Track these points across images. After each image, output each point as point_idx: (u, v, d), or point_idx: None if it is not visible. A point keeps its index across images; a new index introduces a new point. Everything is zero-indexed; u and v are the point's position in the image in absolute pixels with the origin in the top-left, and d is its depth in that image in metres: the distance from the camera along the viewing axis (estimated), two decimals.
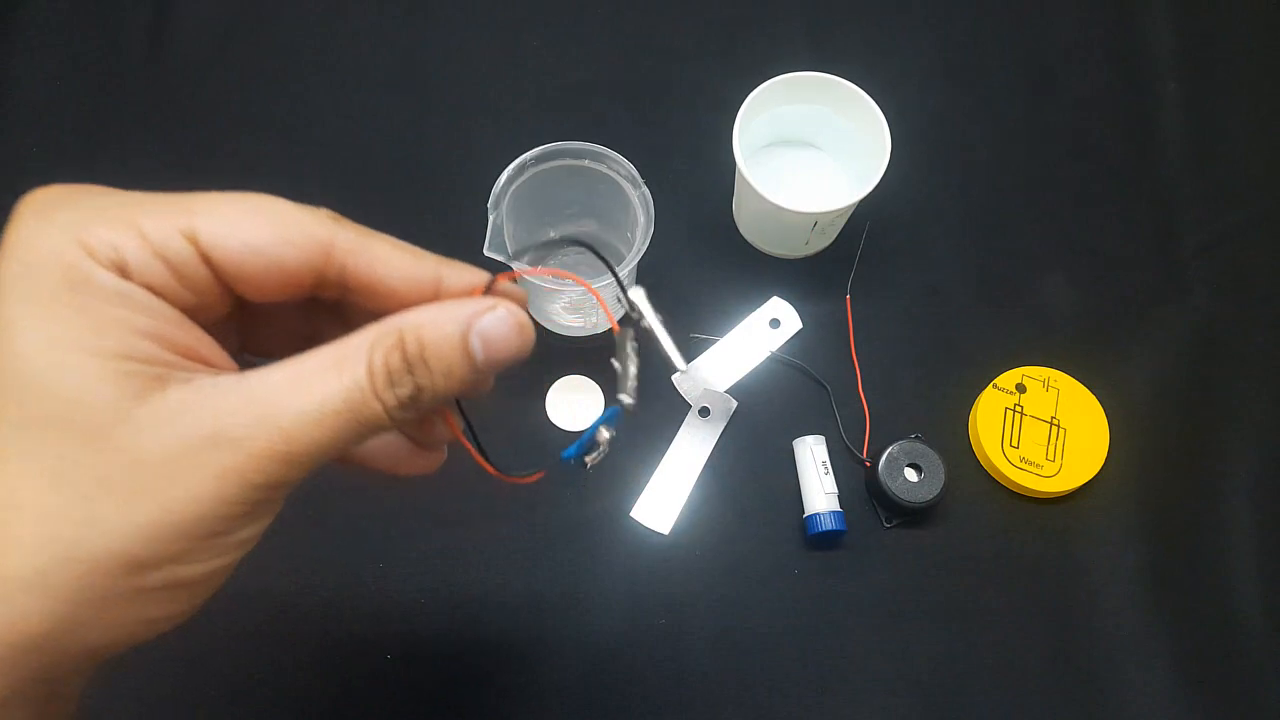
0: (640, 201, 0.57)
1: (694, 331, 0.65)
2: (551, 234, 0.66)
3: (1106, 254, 0.69)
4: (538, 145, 0.57)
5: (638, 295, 0.32)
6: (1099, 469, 0.62)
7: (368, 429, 0.26)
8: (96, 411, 0.24)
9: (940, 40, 0.76)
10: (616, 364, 0.33)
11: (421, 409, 0.28)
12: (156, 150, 0.70)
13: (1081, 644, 0.58)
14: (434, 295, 0.29)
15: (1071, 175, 0.72)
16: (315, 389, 0.26)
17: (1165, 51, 0.75)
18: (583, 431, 0.34)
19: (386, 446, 0.34)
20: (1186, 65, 0.75)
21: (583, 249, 0.67)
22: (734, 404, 0.63)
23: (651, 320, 0.32)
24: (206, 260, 0.26)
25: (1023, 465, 0.61)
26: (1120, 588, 0.60)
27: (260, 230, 0.27)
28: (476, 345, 0.28)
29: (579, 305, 0.62)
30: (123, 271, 0.25)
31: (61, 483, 0.24)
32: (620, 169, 0.58)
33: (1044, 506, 0.62)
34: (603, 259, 0.34)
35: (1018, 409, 0.63)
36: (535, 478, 0.33)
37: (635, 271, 0.61)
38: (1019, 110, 0.74)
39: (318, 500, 0.60)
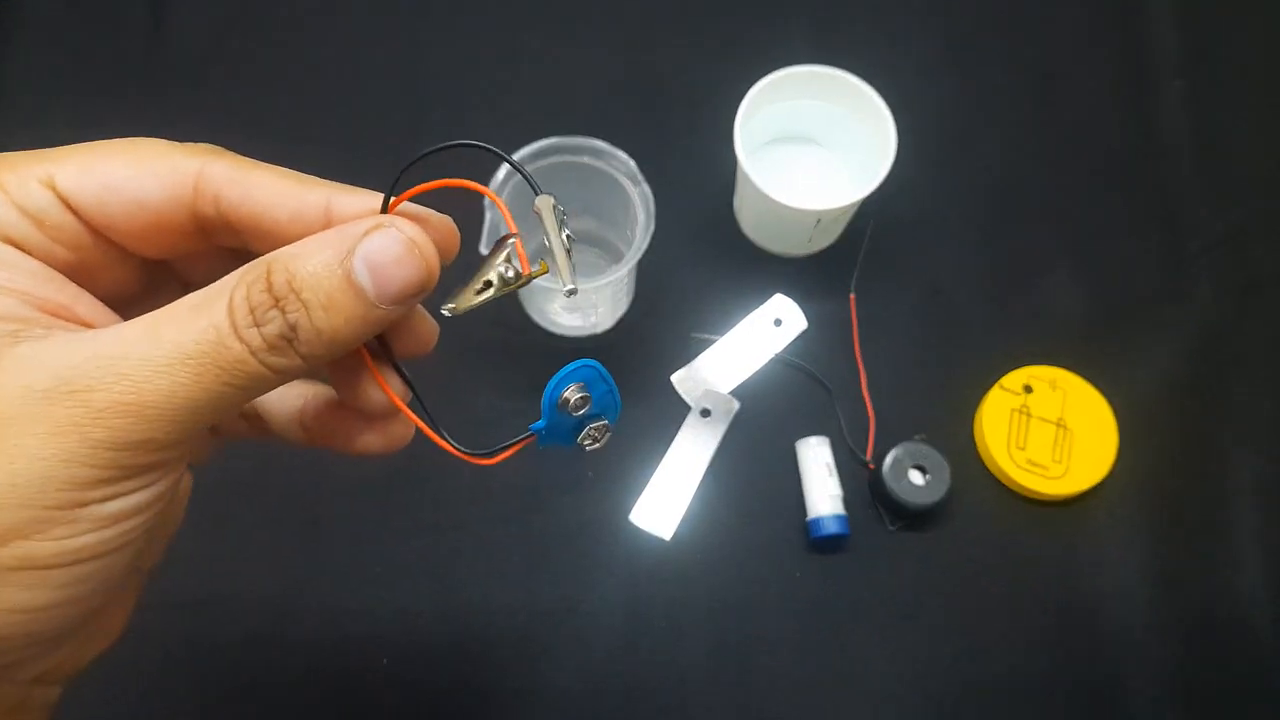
0: (640, 199, 0.56)
1: (695, 331, 0.64)
2: None
3: (1112, 252, 0.68)
4: (536, 141, 0.56)
5: (544, 203, 0.27)
6: (1107, 471, 0.61)
7: (235, 377, 0.23)
8: None
9: (945, 36, 0.75)
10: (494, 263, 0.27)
11: (308, 353, 0.24)
12: None
13: (1088, 648, 0.58)
14: (325, 226, 0.26)
15: (1077, 173, 0.71)
16: (167, 333, 0.23)
17: (1170, 49, 0.74)
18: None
19: (326, 415, 0.31)
20: (1192, 62, 0.74)
21: (581, 247, 0.67)
22: (736, 405, 0.62)
23: (551, 233, 0.26)
24: (69, 206, 0.25)
25: (1029, 467, 0.60)
26: (1127, 591, 0.59)
27: (118, 168, 0.25)
28: (361, 271, 0.24)
29: (577, 304, 0.61)
30: None
31: None
32: (620, 166, 0.57)
33: (1050, 509, 0.61)
34: (498, 154, 0.28)
35: (1024, 410, 0.62)
36: (500, 458, 0.28)
37: (635, 271, 0.60)
38: (1024, 107, 0.73)
39: (313, 503, 0.60)
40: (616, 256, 0.64)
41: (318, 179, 0.27)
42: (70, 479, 0.22)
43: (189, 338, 0.23)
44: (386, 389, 0.28)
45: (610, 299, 0.62)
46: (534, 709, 0.55)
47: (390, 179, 0.27)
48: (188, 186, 0.25)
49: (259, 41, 0.73)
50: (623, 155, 0.57)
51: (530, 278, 0.26)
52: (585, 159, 0.57)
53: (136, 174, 0.25)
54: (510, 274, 0.26)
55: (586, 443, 0.29)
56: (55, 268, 0.25)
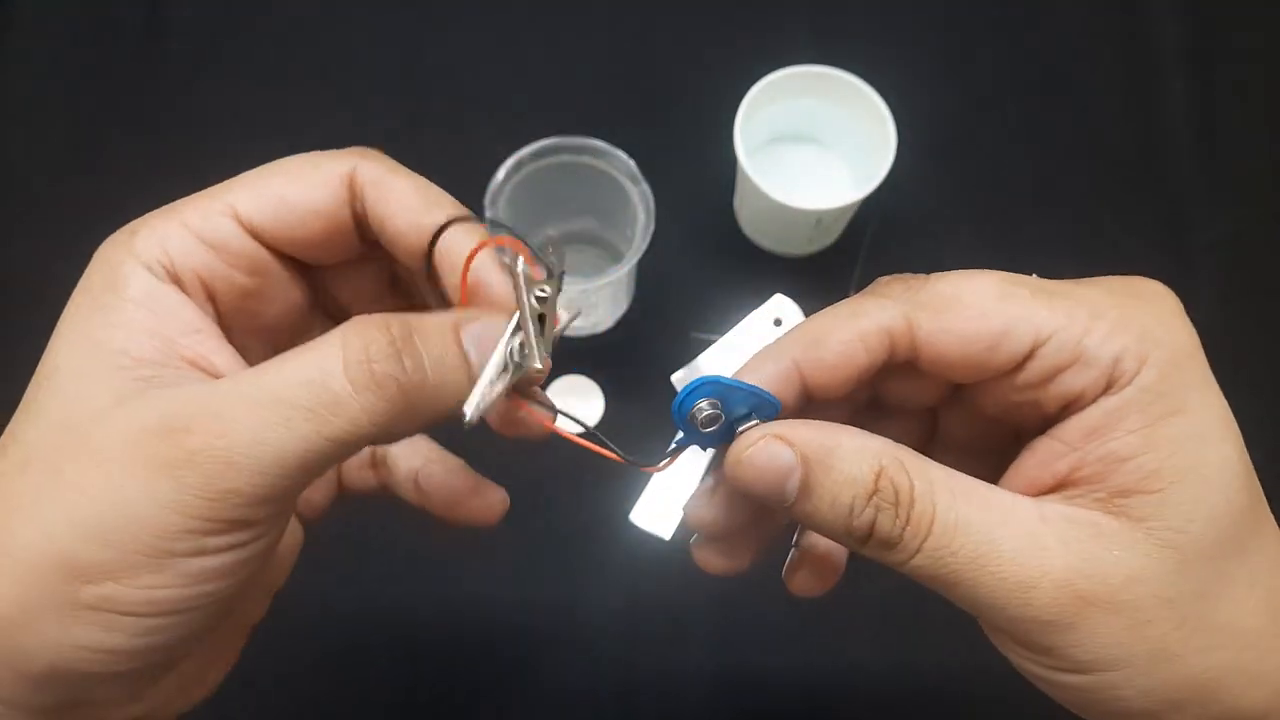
0: (640, 198, 0.56)
1: (695, 331, 0.64)
2: (550, 232, 0.65)
3: (1114, 251, 0.68)
4: (536, 141, 0.56)
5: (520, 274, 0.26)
6: None
7: (328, 425, 0.22)
8: (77, 406, 0.23)
9: (946, 35, 0.75)
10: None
11: (413, 402, 0.23)
12: (149, 149, 0.69)
13: None
14: (431, 246, 0.27)
15: (1078, 172, 0.71)
16: (270, 372, 0.23)
17: (1172, 47, 0.74)
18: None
19: (440, 481, 0.32)
20: (1194, 61, 0.74)
21: (581, 247, 0.67)
22: None
23: (522, 303, 0.26)
24: (250, 230, 0.26)
25: None
26: None
27: (288, 182, 0.27)
28: (469, 343, 0.25)
29: (577, 304, 0.61)
30: (169, 267, 0.25)
31: (26, 472, 0.23)
32: (620, 165, 0.57)
33: None
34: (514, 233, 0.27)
35: None
36: (669, 462, 0.29)
37: (635, 271, 0.60)
38: (1025, 106, 0.73)
39: None
40: (616, 256, 0.64)
41: (445, 199, 0.28)
42: (160, 524, 0.22)
43: (291, 379, 0.23)
44: (530, 411, 0.28)
45: (610, 299, 0.62)
46: (534, 709, 0.55)
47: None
48: (346, 187, 0.27)
49: (256, 40, 0.73)
50: (622, 155, 0.57)
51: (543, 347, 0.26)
52: (585, 159, 0.57)
53: (305, 185, 0.27)
54: (515, 356, 0.26)
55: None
56: (234, 296, 0.27)
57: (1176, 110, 0.72)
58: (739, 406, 0.26)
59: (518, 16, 0.74)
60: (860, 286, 0.69)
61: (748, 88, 0.61)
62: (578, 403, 0.62)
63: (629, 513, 0.59)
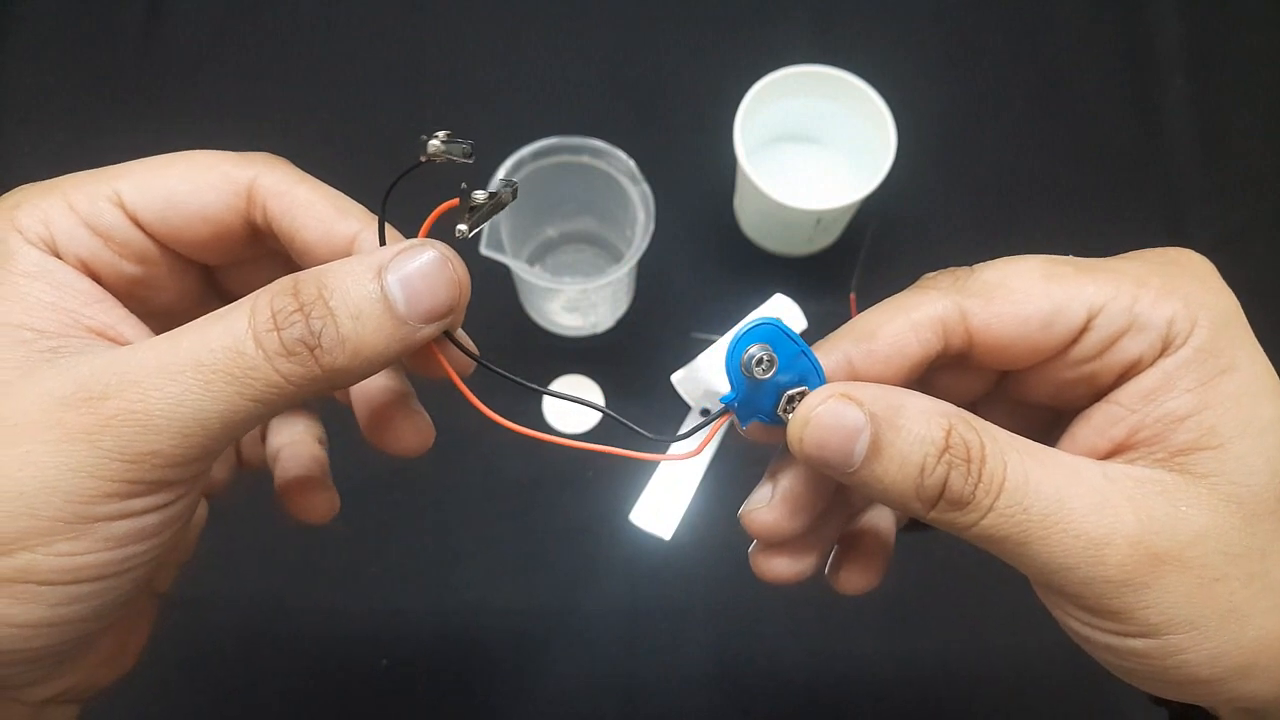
0: (640, 198, 0.56)
1: (695, 331, 0.64)
2: (550, 232, 0.65)
3: (1114, 251, 0.68)
4: (536, 141, 0.56)
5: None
6: None
7: (247, 387, 0.22)
8: None
9: (947, 35, 0.75)
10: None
11: (330, 363, 0.23)
12: (150, 146, 0.69)
13: None
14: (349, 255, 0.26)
15: (1079, 172, 0.71)
16: (185, 340, 0.23)
17: (1174, 47, 0.74)
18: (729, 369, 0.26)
19: (288, 465, 0.32)
20: (1195, 60, 0.74)
21: (581, 247, 0.67)
22: None
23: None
24: (136, 223, 0.26)
25: None
26: None
27: (179, 182, 0.26)
28: (393, 284, 0.23)
29: (577, 304, 0.61)
30: (51, 247, 0.25)
31: None
32: (620, 165, 0.57)
33: None
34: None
35: None
36: (701, 446, 0.28)
37: (635, 271, 0.60)
38: (1026, 106, 0.73)
39: None
40: (616, 256, 0.64)
41: (357, 209, 0.27)
42: (77, 490, 0.22)
43: (204, 344, 0.22)
44: (472, 398, 0.28)
45: (610, 299, 0.62)
46: (534, 709, 0.55)
47: (389, 178, 0.27)
48: (242, 196, 0.26)
49: (256, 40, 0.73)
50: (622, 155, 0.57)
51: (496, 198, 0.26)
52: (585, 159, 0.57)
53: (196, 187, 0.26)
54: (483, 196, 0.26)
55: (789, 414, 0.26)
56: (121, 283, 0.26)
57: (1176, 110, 0.72)
58: (785, 373, 0.26)
59: (518, 16, 0.74)
60: (860, 287, 0.70)
61: (748, 88, 0.61)
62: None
63: (629, 513, 0.59)
